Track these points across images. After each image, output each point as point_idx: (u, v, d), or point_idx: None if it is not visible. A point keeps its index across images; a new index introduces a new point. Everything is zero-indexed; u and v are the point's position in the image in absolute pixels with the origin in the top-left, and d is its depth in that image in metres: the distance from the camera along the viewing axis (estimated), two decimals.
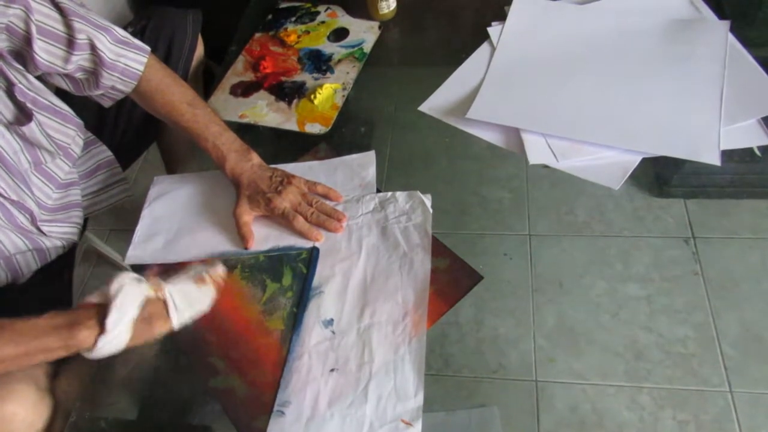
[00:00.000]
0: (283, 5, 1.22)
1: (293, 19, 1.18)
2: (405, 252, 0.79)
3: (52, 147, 0.85)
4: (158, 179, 0.94)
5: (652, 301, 0.74)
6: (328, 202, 0.85)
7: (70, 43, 0.78)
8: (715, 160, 0.82)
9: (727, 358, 0.68)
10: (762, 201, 0.82)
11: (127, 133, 1.10)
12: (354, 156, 0.91)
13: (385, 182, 0.89)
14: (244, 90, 1.06)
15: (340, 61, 1.08)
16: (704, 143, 0.84)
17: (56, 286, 0.97)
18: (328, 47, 1.11)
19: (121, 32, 0.84)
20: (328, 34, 1.14)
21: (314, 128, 0.98)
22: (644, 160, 0.85)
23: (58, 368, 0.85)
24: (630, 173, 0.84)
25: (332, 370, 0.70)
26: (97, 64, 0.82)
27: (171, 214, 0.88)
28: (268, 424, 0.67)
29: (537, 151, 0.89)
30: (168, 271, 0.75)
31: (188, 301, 0.70)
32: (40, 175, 0.86)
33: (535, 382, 0.69)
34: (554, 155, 0.88)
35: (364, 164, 0.90)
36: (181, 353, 0.76)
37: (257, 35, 1.16)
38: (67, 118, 0.87)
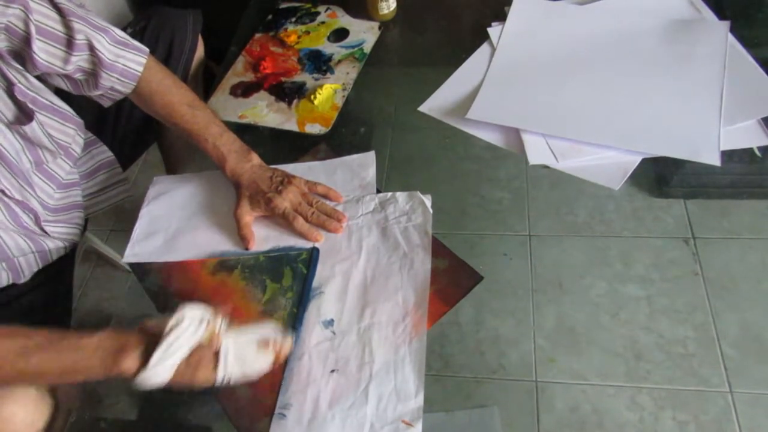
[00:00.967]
0: (283, 6, 1.22)
1: (293, 19, 1.18)
2: (405, 252, 0.79)
3: (53, 146, 0.85)
4: (157, 179, 0.94)
5: (652, 301, 0.74)
6: (328, 203, 0.85)
7: (69, 43, 0.78)
8: (715, 161, 0.82)
9: (727, 358, 0.69)
10: (762, 201, 0.82)
11: (128, 134, 1.10)
12: (354, 156, 0.91)
13: (385, 183, 0.89)
14: (244, 90, 1.06)
15: (340, 61, 1.08)
16: (704, 144, 0.84)
17: (56, 286, 0.97)
18: (328, 47, 1.11)
19: (119, 33, 0.84)
20: (328, 34, 1.14)
21: (314, 129, 0.98)
22: (644, 161, 0.85)
23: None
24: (630, 174, 0.85)
25: (333, 370, 0.71)
26: (96, 65, 0.82)
27: (170, 214, 0.88)
28: (270, 427, 0.67)
29: (537, 152, 0.89)
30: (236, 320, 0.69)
31: (241, 362, 0.65)
32: (41, 175, 0.86)
33: (535, 383, 0.69)
34: (554, 155, 0.88)
35: (364, 164, 0.90)
36: None
37: (257, 35, 1.16)
38: (67, 117, 0.87)
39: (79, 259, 1.07)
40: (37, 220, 0.85)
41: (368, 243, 0.81)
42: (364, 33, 1.13)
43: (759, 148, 0.85)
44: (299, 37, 1.14)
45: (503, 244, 0.81)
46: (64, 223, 0.91)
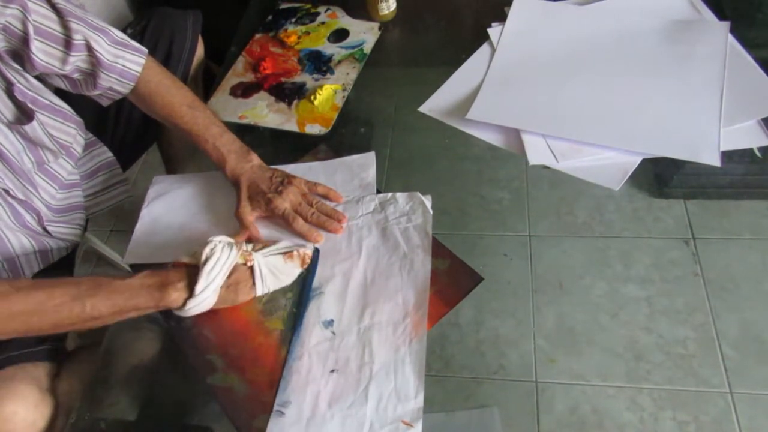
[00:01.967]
0: (283, 6, 1.22)
1: (293, 19, 1.18)
2: (405, 253, 0.79)
3: (54, 146, 0.85)
4: (157, 179, 0.94)
5: (652, 301, 0.74)
6: (328, 203, 0.85)
7: (67, 44, 0.78)
8: (715, 161, 0.82)
9: (727, 358, 0.69)
10: (762, 202, 0.82)
11: (128, 134, 1.10)
12: (354, 157, 0.91)
13: (385, 183, 0.89)
14: (244, 91, 1.06)
15: (340, 61, 1.08)
16: (704, 144, 0.84)
17: None
18: (328, 48, 1.11)
19: (118, 34, 0.84)
20: (328, 34, 1.14)
21: (314, 129, 0.98)
22: (644, 161, 0.85)
23: (59, 368, 0.85)
24: (630, 174, 0.85)
25: (332, 370, 0.71)
26: (94, 66, 0.82)
27: (170, 214, 0.88)
28: (268, 424, 0.67)
29: (537, 152, 0.89)
30: (259, 240, 0.80)
31: (274, 274, 0.74)
32: (43, 175, 0.86)
33: (536, 383, 0.69)
34: (554, 156, 0.88)
35: (364, 165, 0.90)
36: (181, 353, 0.76)
37: (257, 36, 1.16)
38: (67, 116, 0.87)
39: (79, 260, 1.07)
40: (39, 220, 0.85)
41: (368, 243, 0.81)
42: (364, 33, 1.13)
43: (759, 148, 0.85)
44: (299, 37, 1.14)
45: (503, 245, 0.81)
46: (66, 224, 0.91)
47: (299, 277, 0.77)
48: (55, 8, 0.77)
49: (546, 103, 0.94)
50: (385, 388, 0.68)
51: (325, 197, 0.86)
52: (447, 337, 0.73)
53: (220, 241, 0.71)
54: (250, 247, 0.74)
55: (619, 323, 0.72)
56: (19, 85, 0.78)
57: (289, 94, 1.04)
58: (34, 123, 0.80)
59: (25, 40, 0.75)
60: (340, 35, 1.14)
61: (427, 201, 0.83)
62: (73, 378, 0.84)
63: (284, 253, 0.76)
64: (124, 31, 0.87)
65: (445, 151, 0.93)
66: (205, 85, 1.20)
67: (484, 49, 1.06)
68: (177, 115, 0.87)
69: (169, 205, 0.90)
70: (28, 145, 0.82)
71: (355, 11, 1.17)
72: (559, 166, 0.87)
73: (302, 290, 0.77)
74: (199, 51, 1.13)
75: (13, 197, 0.80)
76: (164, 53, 1.06)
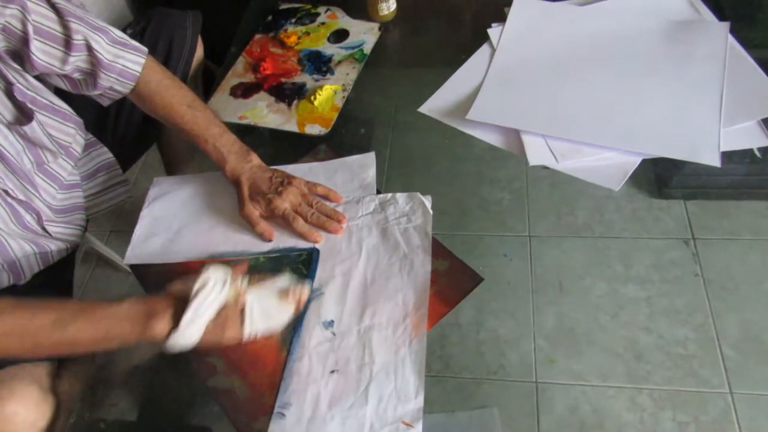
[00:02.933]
0: (283, 6, 1.22)
1: (293, 20, 1.18)
2: (405, 253, 0.79)
3: (53, 146, 0.85)
4: (157, 180, 0.94)
5: (652, 302, 0.74)
6: (328, 203, 0.85)
7: (67, 43, 0.78)
8: (715, 162, 0.82)
9: (727, 359, 0.69)
10: (762, 202, 0.82)
11: (128, 135, 1.10)
12: (354, 157, 0.91)
13: (385, 183, 0.89)
14: (244, 91, 1.06)
15: (340, 62, 1.08)
16: (704, 144, 0.84)
17: (57, 287, 0.97)
18: (328, 48, 1.11)
19: (118, 33, 0.84)
20: (328, 35, 1.14)
21: (314, 129, 0.98)
22: (644, 162, 0.85)
23: (60, 368, 0.85)
24: (630, 174, 0.85)
25: (333, 371, 0.71)
26: (94, 66, 0.82)
27: (170, 215, 0.88)
28: (269, 426, 0.67)
29: (537, 153, 0.89)
30: (256, 275, 0.73)
31: (265, 315, 0.69)
32: (43, 175, 0.86)
33: (536, 384, 0.69)
34: (554, 156, 0.88)
35: (364, 165, 0.90)
36: (181, 354, 0.75)
37: (257, 36, 1.16)
38: (66, 116, 0.87)
39: (79, 260, 1.07)
40: (39, 221, 0.85)
41: (368, 244, 0.81)
42: (364, 34, 1.13)
43: (759, 149, 0.85)
44: (299, 38, 1.14)
45: (503, 245, 0.81)
46: (66, 224, 0.91)
47: (299, 279, 0.77)
48: (54, 8, 0.77)
49: (546, 104, 0.94)
50: (386, 388, 0.68)
51: (325, 198, 0.86)
52: (447, 337, 0.73)
53: (213, 275, 0.67)
54: (245, 282, 0.69)
55: (619, 323, 0.72)
56: (18, 85, 0.78)
57: (289, 94, 1.04)
58: (34, 123, 0.80)
59: (24, 40, 0.75)
60: (340, 36, 1.14)
61: (427, 201, 0.83)
62: (74, 378, 0.84)
63: (280, 292, 0.71)
64: (123, 31, 0.87)
65: (445, 151, 0.93)
66: (204, 85, 1.20)
67: (484, 49, 1.06)
68: (177, 115, 0.87)
69: (169, 206, 0.90)
70: (27, 146, 0.82)
71: (355, 12, 1.17)
72: (559, 166, 0.87)
73: None
74: (199, 51, 1.13)
75: (13, 198, 0.80)
76: (164, 53, 1.06)
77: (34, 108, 0.80)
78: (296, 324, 0.74)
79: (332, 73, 1.07)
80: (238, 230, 0.85)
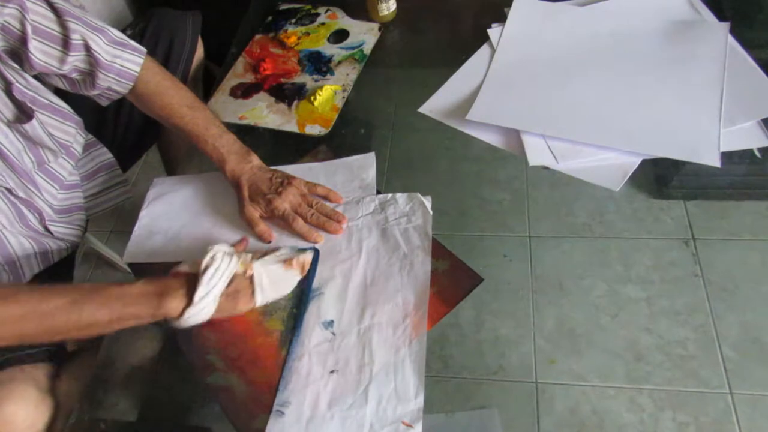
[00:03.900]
0: (283, 7, 1.22)
1: (293, 20, 1.18)
2: (405, 254, 0.79)
3: (54, 145, 0.85)
4: (157, 180, 0.94)
5: (652, 302, 0.74)
6: (328, 204, 0.85)
7: (65, 43, 0.78)
8: (715, 162, 0.82)
9: (727, 359, 0.68)
10: (762, 202, 0.82)
11: (128, 135, 1.10)
12: (354, 157, 0.91)
13: (385, 184, 0.89)
14: (244, 91, 1.06)
15: (340, 62, 1.08)
16: (704, 145, 0.84)
17: None
18: (328, 49, 1.11)
19: (117, 34, 0.84)
20: (328, 35, 1.14)
21: (314, 130, 0.98)
22: (644, 162, 0.85)
23: (58, 369, 0.85)
24: (630, 175, 0.85)
25: (332, 371, 0.70)
26: (92, 66, 0.82)
27: (170, 215, 0.88)
28: (268, 424, 0.67)
29: (537, 153, 0.89)
30: (258, 249, 0.78)
31: (273, 283, 0.73)
32: (44, 175, 0.86)
33: (536, 384, 0.69)
34: (554, 157, 0.88)
35: (364, 166, 0.90)
36: (181, 353, 0.76)
37: (257, 37, 1.16)
38: (66, 115, 0.87)
39: (79, 260, 1.07)
40: (41, 220, 0.85)
41: (368, 244, 0.81)
42: (364, 34, 1.13)
43: (759, 149, 0.85)
44: (299, 38, 1.14)
45: (503, 246, 0.81)
46: (67, 224, 0.91)
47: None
48: (53, 8, 0.77)
49: (546, 104, 0.94)
50: (385, 388, 0.68)
51: (325, 198, 0.86)
52: (447, 337, 0.73)
53: (220, 250, 0.70)
54: (249, 256, 0.73)
55: (619, 324, 0.72)
56: (17, 84, 0.78)
57: (289, 94, 1.04)
58: (34, 122, 0.80)
59: (23, 40, 0.75)
60: (340, 36, 1.14)
61: (427, 202, 0.83)
62: (73, 379, 0.84)
63: (284, 261, 0.74)
64: (123, 31, 0.87)
65: (445, 151, 0.93)
66: (204, 86, 1.20)
67: (484, 49, 1.06)
68: (176, 116, 0.87)
69: (168, 206, 0.90)
70: (28, 145, 0.82)
71: (355, 12, 1.17)
72: (559, 166, 0.87)
73: (302, 291, 0.77)
74: (199, 52, 1.13)
75: (15, 196, 0.81)
76: (164, 54, 1.06)
77: (33, 107, 0.80)
78: (296, 324, 0.74)
79: (332, 74, 1.07)
80: (238, 230, 0.85)
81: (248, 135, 0.97)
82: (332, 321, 0.74)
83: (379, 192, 0.87)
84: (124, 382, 0.76)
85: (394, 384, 0.68)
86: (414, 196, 0.84)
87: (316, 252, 0.80)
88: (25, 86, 0.79)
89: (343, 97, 1.02)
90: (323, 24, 1.17)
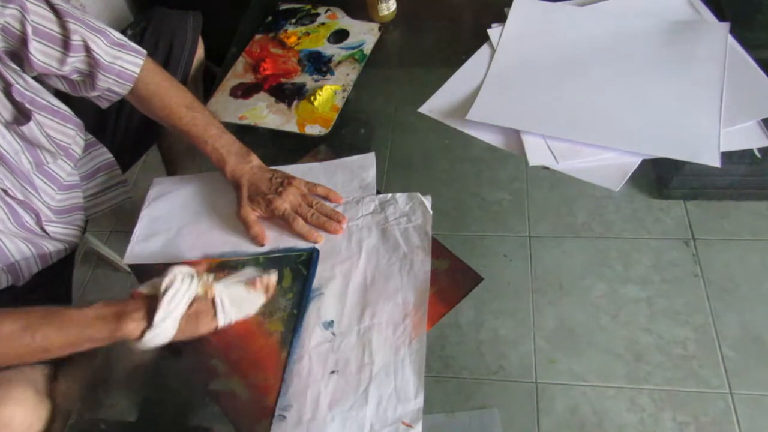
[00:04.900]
0: (283, 7, 1.22)
1: (293, 20, 1.18)
2: (405, 253, 0.79)
3: (52, 147, 0.85)
4: (157, 180, 0.94)
5: (652, 302, 0.74)
6: (328, 204, 0.85)
7: (65, 44, 0.78)
8: (715, 162, 0.82)
9: (727, 359, 0.68)
10: (762, 203, 0.82)
11: (127, 135, 1.10)
12: (354, 157, 0.91)
13: (385, 184, 0.89)
14: (244, 92, 1.06)
15: (340, 62, 1.08)
16: (704, 145, 0.84)
17: (56, 288, 0.97)
18: (328, 49, 1.11)
19: (116, 35, 0.84)
20: (328, 35, 1.14)
21: (314, 130, 0.98)
22: (644, 162, 0.85)
23: (57, 371, 0.85)
24: (630, 175, 0.84)
25: (333, 372, 0.70)
26: (92, 67, 0.82)
27: (170, 215, 0.88)
28: (270, 429, 0.67)
29: (537, 153, 0.89)
30: (220, 268, 0.77)
31: (236, 304, 0.71)
32: (42, 176, 0.86)
33: (536, 384, 0.69)
34: (554, 157, 0.88)
35: (364, 166, 0.90)
36: (181, 356, 0.75)
37: (257, 37, 1.16)
38: (66, 117, 0.87)
39: (78, 261, 1.07)
40: (38, 221, 0.85)
41: (368, 244, 0.81)
42: (364, 34, 1.13)
43: (759, 149, 0.85)
44: (299, 38, 1.14)
45: (503, 245, 0.81)
46: (66, 225, 0.91)
47: (295, 280, 0.77)
48: (53, 9, 0.77)
49: (546, 104, 0.94)
50: (385, 389, 0.68)
51: (325, 198, 0.86)
52: (447, 337, 0.73)
53: (180, 272, 0.69)
54: (210, 277, 0.71)
55: (619, 324, 0.72)
56: (17, 85, 0.78)
57: (289, 94, 1.04)
58: (32, 123, 0.80)
59: (23, 41, 0.75)
60: (340, 36, 1.14)
61: (427, 201, 0.83)
62: (71, 380, 0.83)
63: (247, 282, 0.73)
64: (123, 32, 0.87)
65: (445, 151, 0.93)
66: (205, 86, 1.20)
67: (484, 49, 1.06)
68: (176, 117, 0.87)
69: (169, 206, 0.90)
70: (26, 146, 0.82)
71: (355, 12, 1.17)
72: (559, 166, 0.87)
73: (302, 291, 0.77)
74: (199, 52, 1.13)
75: (12, 197, 0.80)
76: (164, 54, 1.06)
77: (32, 108, 0.80)
78: (296, 324, 0.74)
79: (332, 74, 1.07)
80: (238, 230, 0.85)
81: (248, 135, 0.97)
82: (332, 321, 0.74)
83: (379, 192, 0.87)
84: (123, 382, 0.76)
85: (394, 384, 0.68)
86: (414, 195, 0.84)
87: (316, 252, 0.80)
88: (25, 87, 0.79)
89: (343, 97, 1.02)
90: (323, 24, 1.17)
